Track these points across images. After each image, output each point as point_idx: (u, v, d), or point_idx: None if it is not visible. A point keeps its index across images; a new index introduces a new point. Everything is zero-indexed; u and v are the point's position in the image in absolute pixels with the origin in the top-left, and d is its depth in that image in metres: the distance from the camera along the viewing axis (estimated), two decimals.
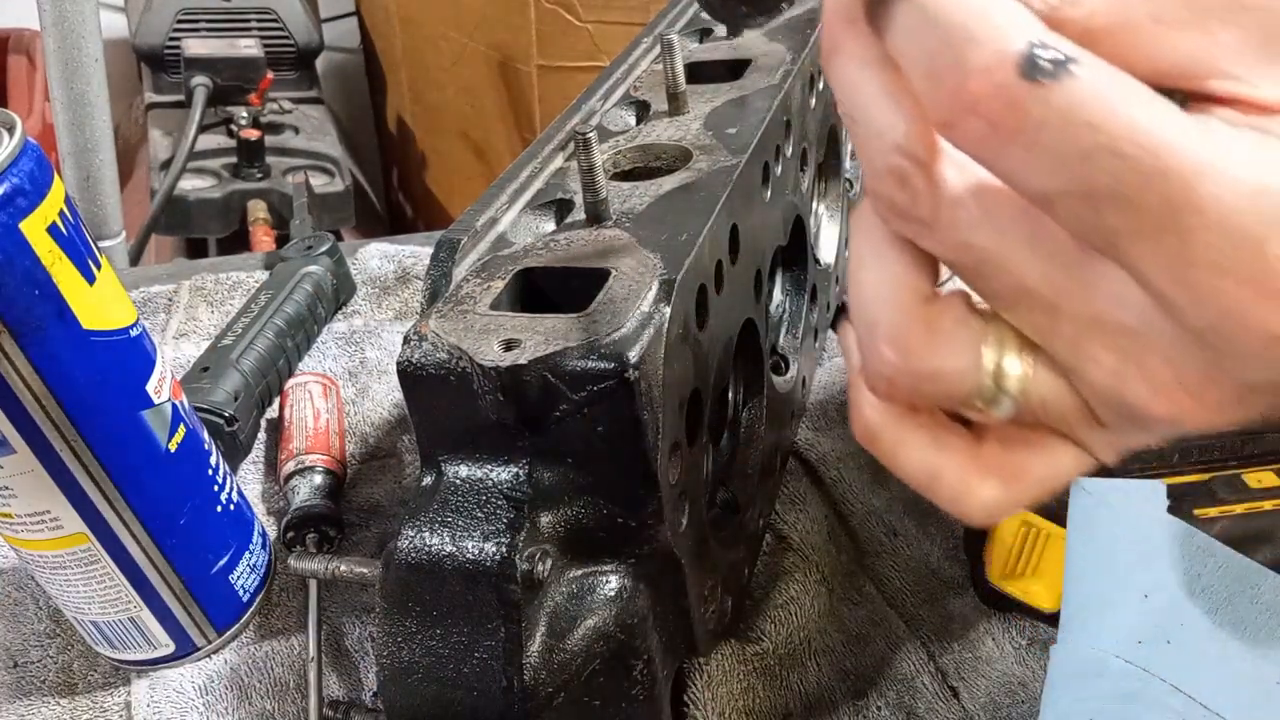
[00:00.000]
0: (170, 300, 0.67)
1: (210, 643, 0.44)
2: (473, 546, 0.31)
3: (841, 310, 0.67)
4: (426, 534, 0.31)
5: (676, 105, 0.44)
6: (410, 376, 0.31)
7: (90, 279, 0.35)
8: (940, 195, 0.22)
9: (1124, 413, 0.23)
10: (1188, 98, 0.20)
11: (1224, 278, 0.18)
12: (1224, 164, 0.18)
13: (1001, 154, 0.19)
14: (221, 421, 0.51)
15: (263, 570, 0.46)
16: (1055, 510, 0.42)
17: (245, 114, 1.36)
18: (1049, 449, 0.25)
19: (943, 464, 0.25)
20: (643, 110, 0.47)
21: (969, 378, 0.23)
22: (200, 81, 1.34)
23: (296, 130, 1.45)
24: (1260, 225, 0.18)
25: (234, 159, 1.34)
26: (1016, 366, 0.23)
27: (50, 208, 0.33)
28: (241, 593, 0.45)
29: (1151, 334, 0.21)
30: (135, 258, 1.17)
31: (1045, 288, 0.22)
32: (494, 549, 0.31)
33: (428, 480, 0.33)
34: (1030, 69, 0.18)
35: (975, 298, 0.24)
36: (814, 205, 0.60)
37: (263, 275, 0.69)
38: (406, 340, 0.32)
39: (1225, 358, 0.20)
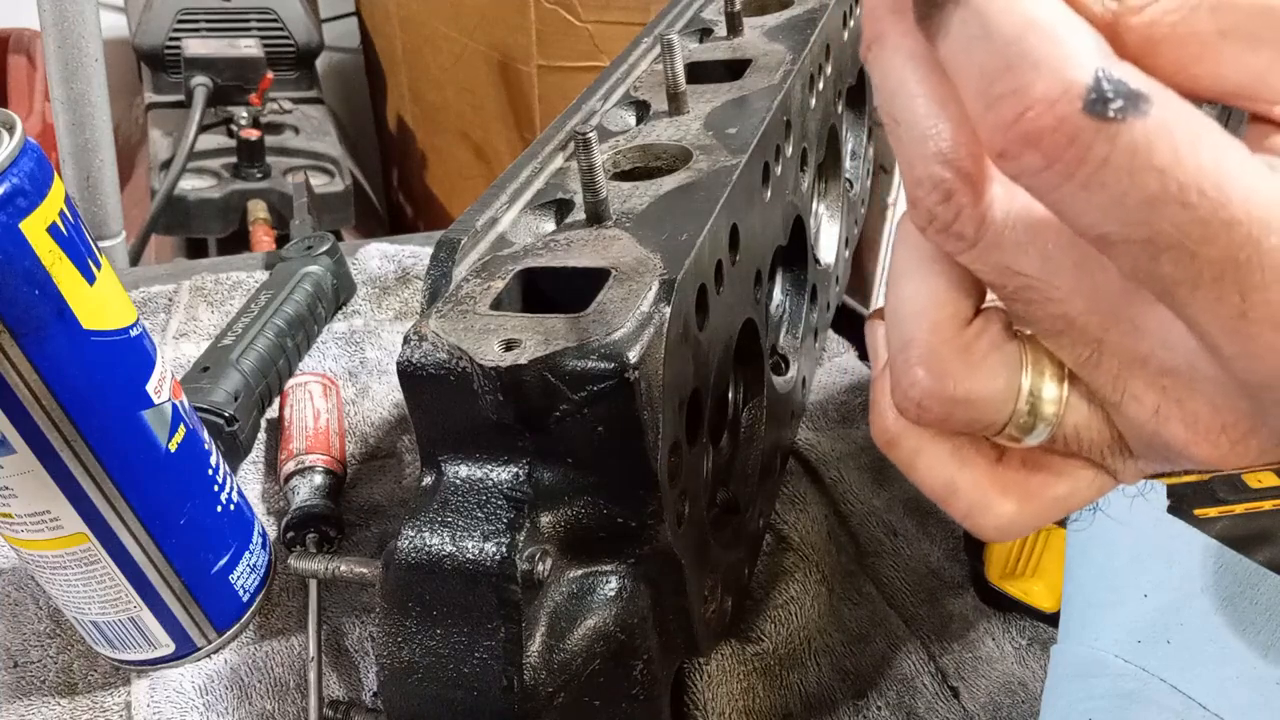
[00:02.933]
0: (170, 300, 0.67)
1: (210, 643, 0.44)
2: (473, 546, 0.31)
3: (842, 310, 0.67)
4: (426, 534, 0.31)
5: (676, 105, 0.44)
6: (410, 376, 0.31)
7: (90, 279, 0.35)
8: (985, 214, 0.21)
9: (1160, 449, 0.22)
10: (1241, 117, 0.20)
11: None
12: None
13: (1057, 190, 0.18)
14: (221, 421, 0.51)
15: (263, 570, 0.46)
16: None
17: (245, 114, 1.36)
18: (1071, 472, 0.25)
19: (961, 478, 0.25)
20: (643, 110, 0.47)
21: (1004, 405, 0.23)
22: (200, 81, 1.34)
23: (296, 130, 1.45)
24: None
25: (234, 159, 1.34)
26: (1053, 395, 0.23)
27: (50, 208, 0.33)
28: (241, 593, 0.45)
29: (1198, 378, 0.20)
30: (135, 258, 1.17)
31: (1090, 321, 0.21)
32: (494, 549, 0.31)
33: (428, 480, 0.33)
34: (1097, 103, 0.17)
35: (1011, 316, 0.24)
36: (814, 205, 0.60)
37: (263, 275, 0.69)
38: (406, 340, 0.32)
39: (1274, 410, 0.20)
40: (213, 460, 0.43)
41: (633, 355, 0.29)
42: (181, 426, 0.40)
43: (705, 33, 0.55)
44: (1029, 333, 0.23)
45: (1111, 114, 0.17)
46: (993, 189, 0.21)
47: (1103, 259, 0.20)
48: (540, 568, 0.31)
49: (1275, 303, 0.18)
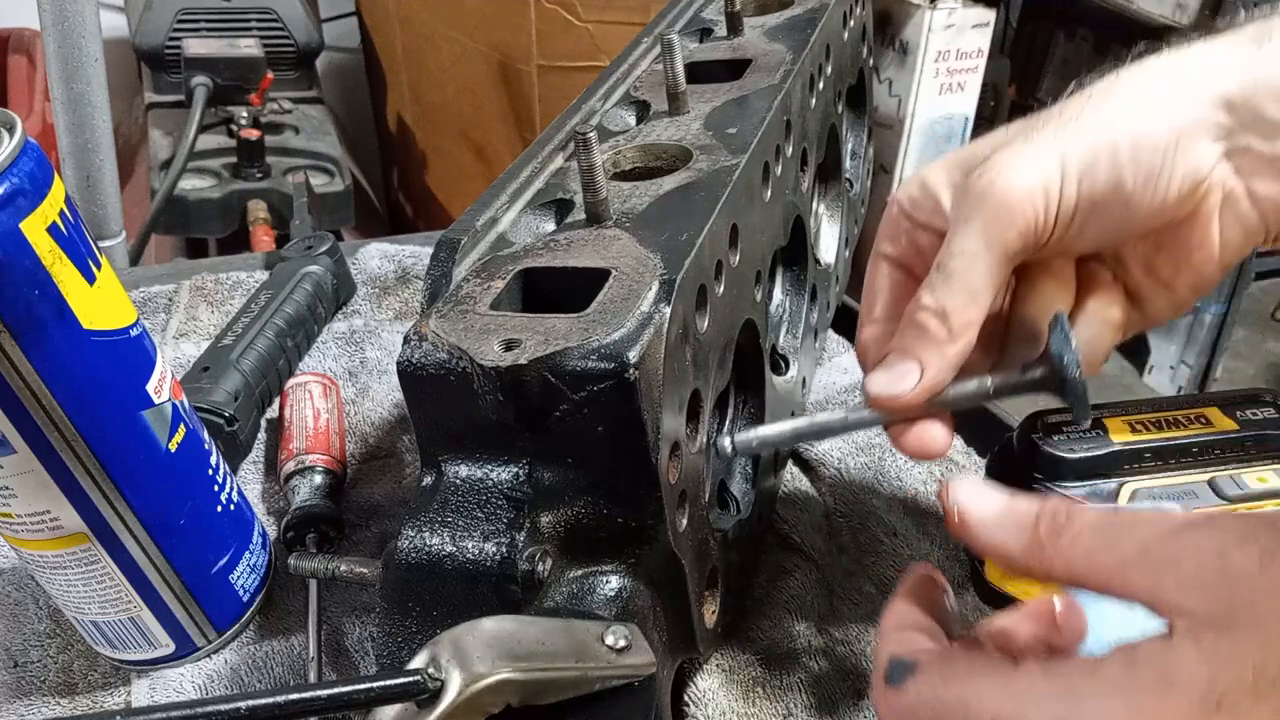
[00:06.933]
0: (170, 300, 0.67)
1: (210, 643, 0.44)
2: (473, 546, 0.31)
3: (842, 310, 0.67)
4: (427, 534, 0.31)
5: (676, 105, 0.44)
6: (410, 376, 0.31)
7: (90, 279, 0.35)
8: None
9: None
10: None
11: None
12: None
13: None
14: (221, 421, 0.51)
15: (263, 570, 0.46)
16: None
17: (245, 114, 1.36)
18: None
19: None
20: (643, 110, 0.47)
21: None
22: (200, 81, 1.34)
23: (296, 130, 1.45)
24: None
25: (234, 159, 1.34)
26: None
27: (50, 208, 0.33)
28: (241, 593, 0.44)
29: None
30: (135, 258, 1.17)
31: None
32: (494, 549, 0.31)
33: (428, 480, 0.33)
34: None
35: None
36: (814, 205, 0.60)
37: (263, 275, 0.69)
38: (407, 340, 0.32)
39: None
40: (213, 460, 0.43)
41: (633, 355, 0.29)
42: (181, 426, 0.40)
43: (705, 33, 0.55)
44: None
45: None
46: None
47: None
48: (540, 568, 0.31)
49: None
